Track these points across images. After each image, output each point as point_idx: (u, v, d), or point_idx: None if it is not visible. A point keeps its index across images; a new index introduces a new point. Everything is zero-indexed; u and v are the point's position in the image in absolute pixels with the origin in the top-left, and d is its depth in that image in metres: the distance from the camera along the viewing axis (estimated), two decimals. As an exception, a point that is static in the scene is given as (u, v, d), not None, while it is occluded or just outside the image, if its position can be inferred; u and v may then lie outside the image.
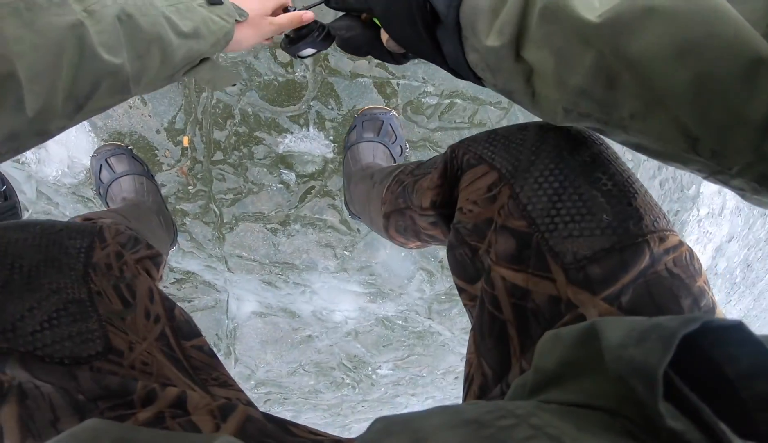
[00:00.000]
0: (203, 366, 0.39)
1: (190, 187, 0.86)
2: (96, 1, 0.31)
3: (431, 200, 0.45)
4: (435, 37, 0.38)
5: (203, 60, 0.47)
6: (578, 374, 0.23)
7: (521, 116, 0.99)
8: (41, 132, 0.30)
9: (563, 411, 0.22)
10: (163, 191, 0.85)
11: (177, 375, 0.36)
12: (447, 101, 0.90)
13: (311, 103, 0.85)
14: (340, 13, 0.53)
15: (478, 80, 0.38)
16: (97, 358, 0.32)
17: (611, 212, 0.31)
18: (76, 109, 0.32)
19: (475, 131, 0.97)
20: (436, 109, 0.91)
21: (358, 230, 0.98)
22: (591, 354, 0.22)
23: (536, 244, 0.33)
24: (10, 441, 0.30)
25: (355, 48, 0.51)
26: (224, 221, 0.89)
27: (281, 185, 0.90)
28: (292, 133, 0.88)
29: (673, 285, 0.30)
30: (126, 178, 0.76)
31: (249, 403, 0.38)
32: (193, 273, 0.95)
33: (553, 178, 0.34)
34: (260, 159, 0.87)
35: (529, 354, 0.33)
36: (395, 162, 0.87)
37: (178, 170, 0.84)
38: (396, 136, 0.86)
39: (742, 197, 0.27)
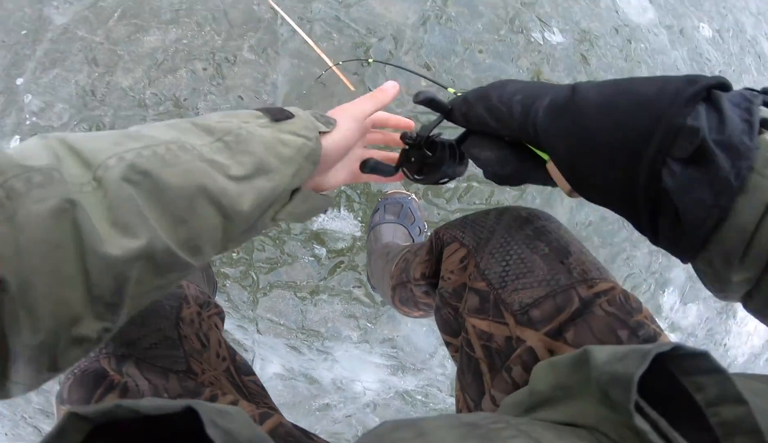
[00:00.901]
0: (257, 394, 0.49)
1: (234, 254, 0.98)
2: (100, 164, 0.25)
3: (421, 272, 0.56)
4: (655, 219, 0.29)
5: (294, 192, 0.38)
6: (568, 397, 0.26)
7: (538, 197, 1.04)
8: (75, 342, 0.25)
9: (548, 426, 0.25)
10: (211, 257, 0.97)
11: (235, 394, 0.46)
12: (465, 184, 0.98)
13: (342, 187, 0.97)
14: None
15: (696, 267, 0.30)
16: (181, 373, 0.43)
17: (546, 269, 0.40)
18: (112, 309, 0.26)
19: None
20: (455, 192, 1.00)
21: (382, 303, 1.04)
22: (582, 379, 0.24)
23: (493, 298, 0.42)
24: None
25: (508, 180, 0.41)
26: (260, 286, 1.00)
27: (313, 258, 1.00)
28: (325, 213, 0.99)
29: (609, 321, 0.36)
30: None
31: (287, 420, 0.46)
32: (225, 330, 1.04)
33: (503, 249, 0.43)
34: (296, 234, 0.99)
35: (497, 383, 0.40)
36: (414, 241, 0.95)
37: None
38: (415, 218, 0.94)
39: None
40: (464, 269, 0.46)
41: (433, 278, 0.55)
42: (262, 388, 0.51)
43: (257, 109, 0.37)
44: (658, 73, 1.14)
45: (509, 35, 1.08)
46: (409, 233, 0.95)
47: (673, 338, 1.16)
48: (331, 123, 0.41)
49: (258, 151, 0.33)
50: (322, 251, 1.00)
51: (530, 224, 0.44)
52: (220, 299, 1.00)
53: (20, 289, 0.22)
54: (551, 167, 0.36)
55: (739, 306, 1.18)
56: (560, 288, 0.38)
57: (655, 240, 0.30)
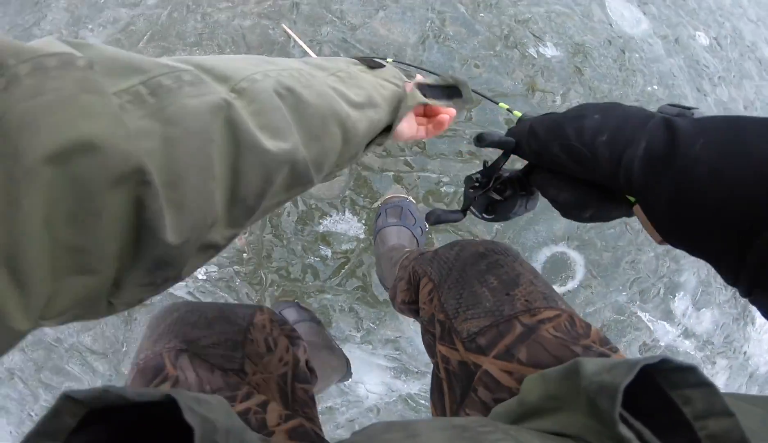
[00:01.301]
0: (301, 402, 0.51)
1: (244, 254, 1.04)
2: (244, 78, 0.26)
3: (401, 299, 0.63)
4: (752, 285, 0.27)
5: (383, 130, 0.43)
6: (557, 408, 0.27)
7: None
8: (204, 248, 0.24)
9: (535, 433, 0.26)
10: (221, 255, 1.04)
11: (275, 396, 0.48)
12: (462, 189, 1.02)
13: (347, 192, 1.02)
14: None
15: None
16: (232, 371, 0.45)
17: (492, 301, 0.44)
18: (248, 214, 0.26)
19: (491, 217, 1.06)
20: (454, 196, 1.03)
21: (385, 303, 1.06)
22: (571, 389, 0.25)
23: (448, 327, 0.46)
24: None
25: (589, 221, 0.38)
26: (267, 284, 1.05)
27: (318, 259, 1.05)
28: (331, 216, 1.05)
29: (560, 341, 0.38)
30: (299, 325, 0.95)
31: (316, 428, 0.48)
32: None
33: (458, 284, 0.48)
34: (304, 236, 1.04)
35: (469, 403, 0.42)
36: (417, 240, 0.99)
37: (238, 239, 1.04)
38: (415, 219, 0.98)
39: None
40: (432, 301, 0.51)
41: (413, 304, 0.61)
42: (311, 398, 0.53)
43: (353, 57, 0.42)
44: (655, 82, 1.17)
45: (504, 51, 1.14)
46: (412, 233, 0.99)
47: (689, 345, 1.11)
48: (411, 76, 0.46)
49: (367, 87, 0.37)
50: (327, 252, 1.05)
51: (485, 259, 0.48)
52: (228, 298, 1.05)
53: (168, 183, 0.20)
54: (639, 211, 0.31)
55: (756, 312, 1.14)
56: (503, 318, 0.42)
57: (745, 296, 0.27)
